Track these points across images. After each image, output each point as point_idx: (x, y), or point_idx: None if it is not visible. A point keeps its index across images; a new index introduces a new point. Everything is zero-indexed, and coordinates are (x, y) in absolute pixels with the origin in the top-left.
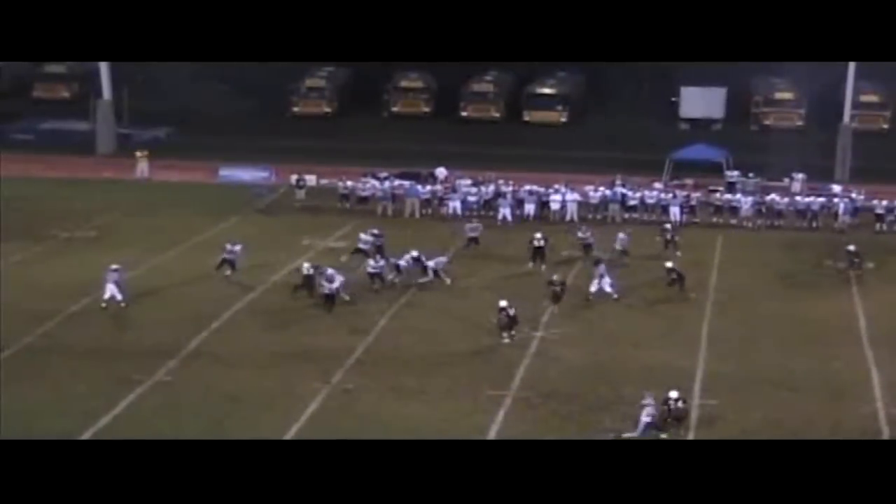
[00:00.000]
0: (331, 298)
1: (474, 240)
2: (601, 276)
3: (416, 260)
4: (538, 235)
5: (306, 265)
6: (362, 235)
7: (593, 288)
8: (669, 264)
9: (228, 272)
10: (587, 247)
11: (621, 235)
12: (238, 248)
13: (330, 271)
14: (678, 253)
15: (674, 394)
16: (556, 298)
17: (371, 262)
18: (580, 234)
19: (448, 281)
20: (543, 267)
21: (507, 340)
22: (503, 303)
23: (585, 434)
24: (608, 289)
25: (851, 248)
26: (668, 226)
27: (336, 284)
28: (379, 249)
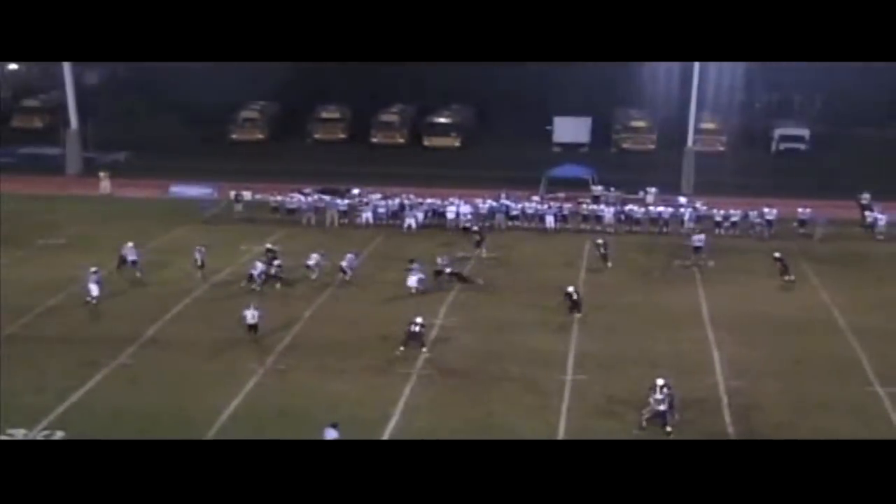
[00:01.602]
0: (253, 328)
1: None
2: (413, 272)
3: (317, 264)
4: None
5: (129, 244)
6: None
7: (410, 283)
8: (570, 289)
9: (199, 274)
10: (438, 273)
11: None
12: (203, 249)
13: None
14: (609, 265)
15: (660, 381)
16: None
17: (259, 264)
18: (438, 260)
19: (347, 277)
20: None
21: (398, 352)
22: (419, 319)
23: (481, 403)
24: (415, 284)
25: (777, 255)
26: (601, 241)
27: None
28: (272, 260)
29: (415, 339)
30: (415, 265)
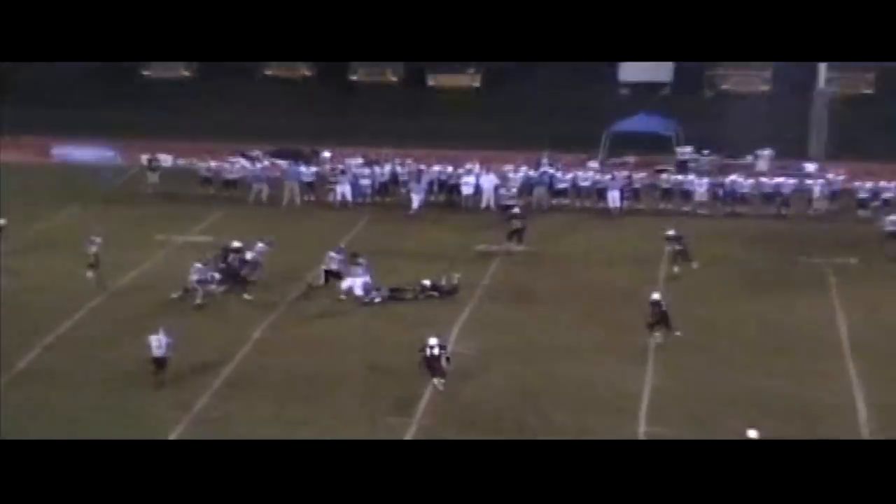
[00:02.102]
0: (160, 363)
1: None
2: (357, 272)
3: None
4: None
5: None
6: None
7: (345, 286)
8: (656, 296)
9: (90, 275)
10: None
11: None
12: (99, 240)
13: None
14: (694, 265)
15: (752, 433)
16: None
17: (199, 265)
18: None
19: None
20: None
21: (441, 384)
22: (433, 341)
23: None
24: (359, 291)
25: None
26: (672, 232)
27: None
28: (241, 264)
29: (432, 367)
30: (360, 260)
